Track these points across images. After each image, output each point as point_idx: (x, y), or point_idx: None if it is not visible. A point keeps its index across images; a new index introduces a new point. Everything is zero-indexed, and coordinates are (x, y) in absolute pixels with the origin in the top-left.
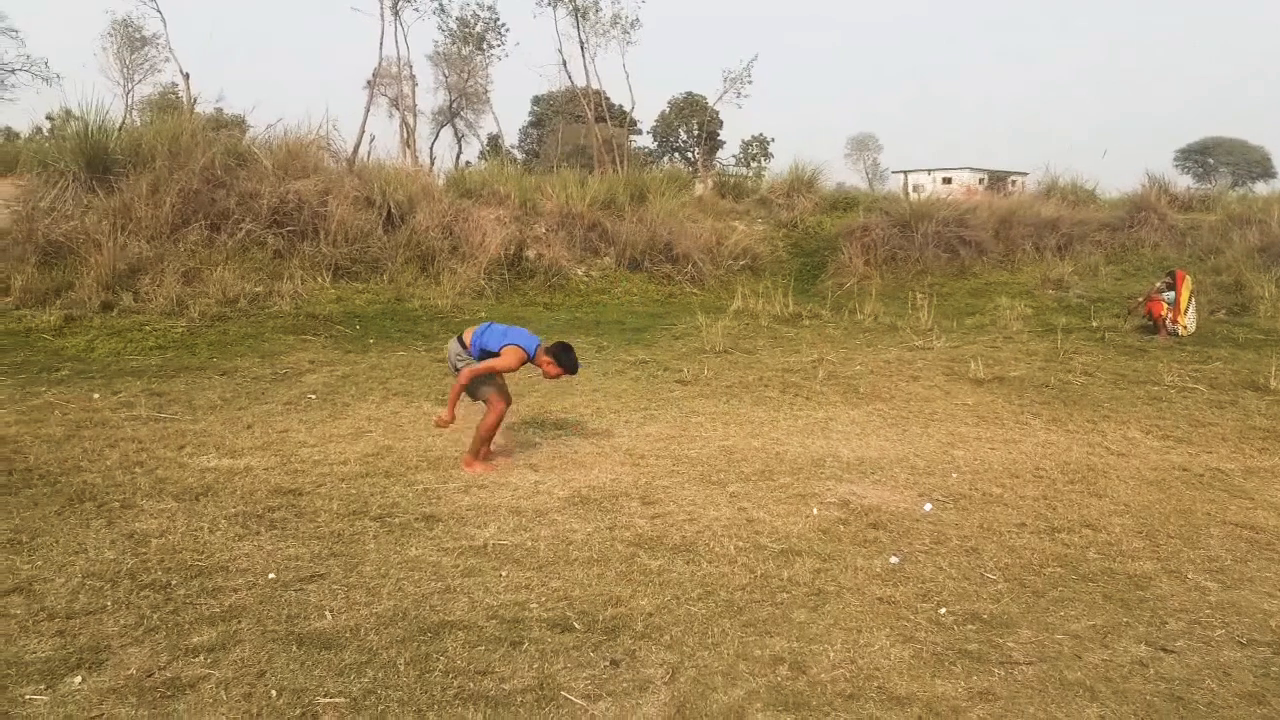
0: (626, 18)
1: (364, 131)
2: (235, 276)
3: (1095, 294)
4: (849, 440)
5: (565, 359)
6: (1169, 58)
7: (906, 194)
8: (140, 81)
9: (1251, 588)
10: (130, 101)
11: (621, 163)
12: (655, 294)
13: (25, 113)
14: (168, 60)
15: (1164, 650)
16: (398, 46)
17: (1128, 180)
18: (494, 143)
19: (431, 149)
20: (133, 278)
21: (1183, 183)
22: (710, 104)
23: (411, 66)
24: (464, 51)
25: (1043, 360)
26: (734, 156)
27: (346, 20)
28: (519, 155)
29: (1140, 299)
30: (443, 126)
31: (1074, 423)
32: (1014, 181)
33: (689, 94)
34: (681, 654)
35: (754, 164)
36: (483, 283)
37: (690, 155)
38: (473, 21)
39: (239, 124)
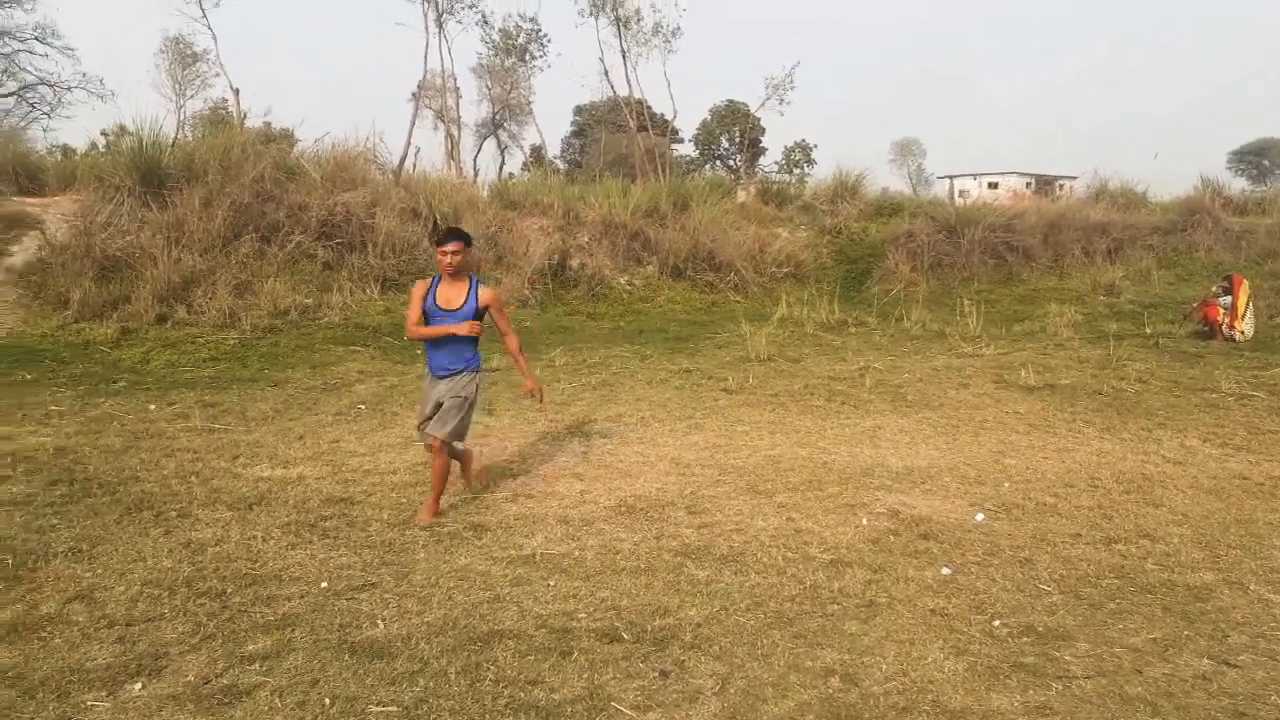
0: (668, 26)
1: (410, 144)
2: (286, 288)
3: (1148, 299)
4: (898, 449)
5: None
6: (1221, 56)
7: (952, 199)
8: (192, 97)
9: None
10: (182, 117)
11: (663, 171)
12: (698, 302)
13: (82, 130)
14: (218, 75)
15: (1227, 664)
16: (441, 59)
17: (1181, 183)
18: (536, 153)
19: (475, 161)
20: (186, 290)
21: (1237, 185)
22: (752, 111)
23: (455, 79)
24: (506, 63)
25: (1095, 367)
26: (776, 163)
27: (390, 35)
28: (561, 165)
29: (1196, 304)
30: (486, 138)
31: (1128, 431)
32: (1062, 186)
33: (730, 101)
34: (731, 665)
35: (796, 170)
36: (527, 292)
37: (732, 163)
38: (515, 33)
39: (287, 138)
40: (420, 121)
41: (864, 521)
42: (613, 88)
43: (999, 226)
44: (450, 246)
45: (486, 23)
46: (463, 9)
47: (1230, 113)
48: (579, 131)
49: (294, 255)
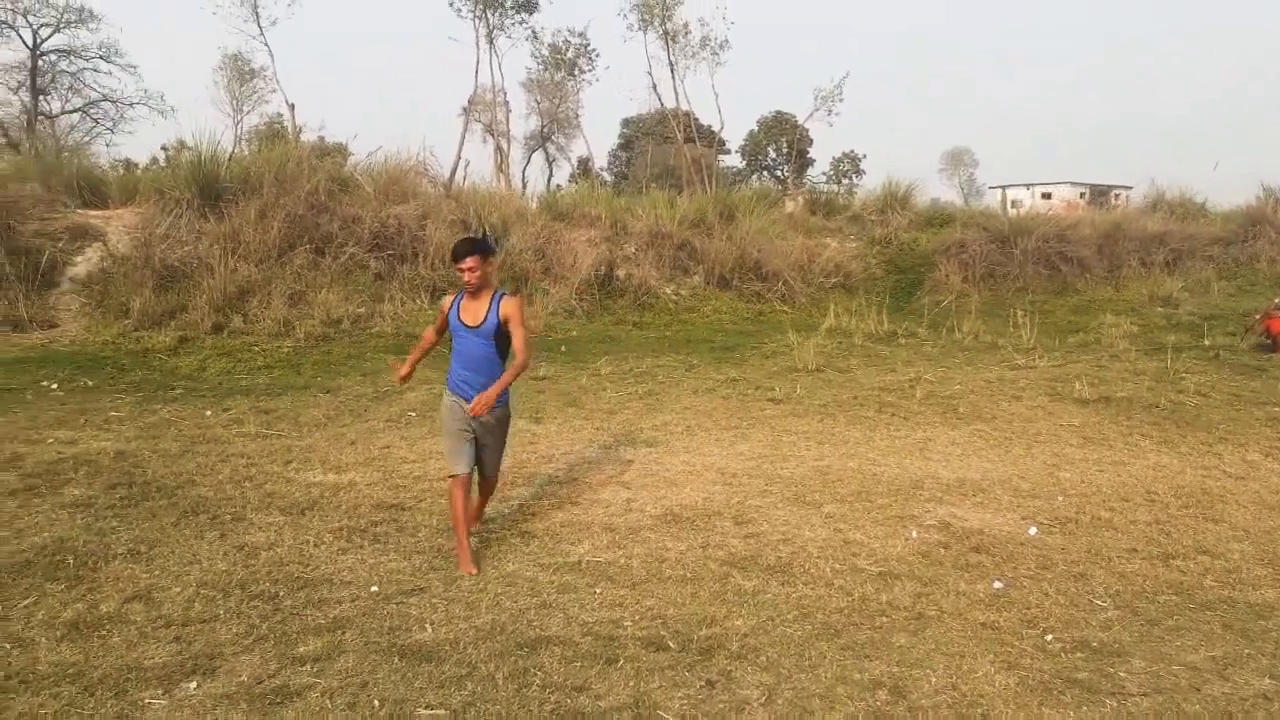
0: (716, 39)
1: (460, 157)
2: (339, 299)
3: (1207, 311)
4: (949, 461)
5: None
6: None
7: (1005, 210)
8: (249, 112)
9: None
10: (240, 132)
11: (711, 182)
12: (745, 312)
13: (144, 145)
14: (274, 91)
15: None
16: (492, 74)
17: (1245, 194)
18: (584, 166)
19: (524, 173)
20: (242, 300)
21: None
22: (800, 122)
23: (505, 93)
24: (556, 77)
25: (1152, 380)
26: (824, 174)
27: (442, 50)
28: (608, 177)
29: (1258, 316)
30: (534, 151)
31: (1187, 444)
32: (1117, 196)
33: (778, 113)
34: (778, 676)
35: (845, 181)
36: (574, 302)
37: (779, 174)
38: (564, 48)
39: (341, 151)
40: (470, 135)
41: (913, 534)
42: (660, 100)
43: (1052, 236)
44: (467, 263)
45: (536, 38)
46: (513, 25)
47: None
48: (626, 144)
49: (347, 266)
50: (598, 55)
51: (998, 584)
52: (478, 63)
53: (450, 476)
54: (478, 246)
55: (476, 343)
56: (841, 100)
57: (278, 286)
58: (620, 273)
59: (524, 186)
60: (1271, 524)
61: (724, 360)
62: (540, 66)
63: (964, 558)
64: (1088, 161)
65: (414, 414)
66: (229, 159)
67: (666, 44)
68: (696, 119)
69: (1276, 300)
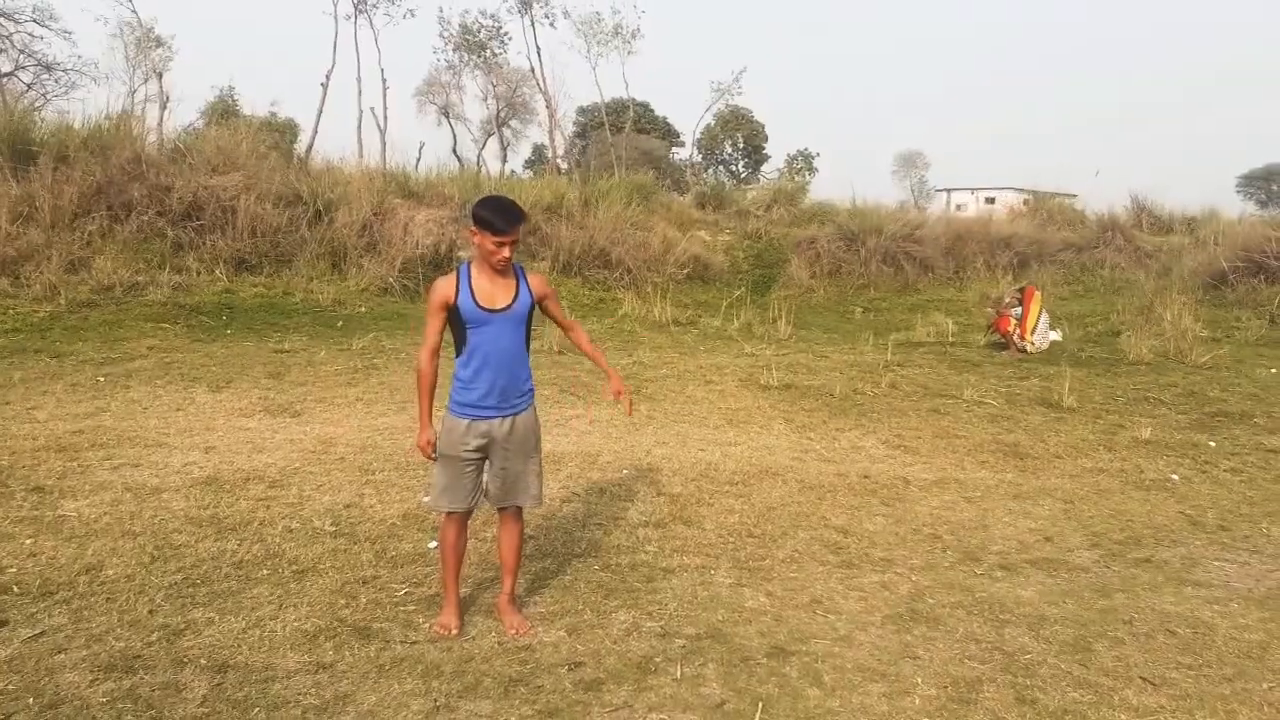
0: (628, 28)
1: (316, 130)
2: (118, 265)
3: None
4: (577, 437)
5: (484, 211)
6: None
7: (948, 213)
8: (145, 81)
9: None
10: (134, 100)
11: (668, 175)
12: (586, 298)
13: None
14: (173, 60)
15: None
16: (358, 50)
17: (1189, 207)
18: (539, 152)
19: (479, 157)
20: (18, 264)
21: (1248, 209)
22: (700, 115)
23: (384, 72)
24: (465, 59)
25: (862, 371)
26: (778, 170)
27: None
28: (563, 165)
29: (991, 313)
30: (490, 135)
31: (823, 429)
32: (1060, 203)
33: (734, 107)
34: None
35: (798, 178)
36: (391, 280)
37: (734, 169)
38: (475, 28)
39: (291, 128)
40: (423, 116)
41: (425, 499)
42: (540, 83)
43: (900, 236)
44: (515, 234)
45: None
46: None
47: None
48: (581, 132)
49: (145, 234)
50: (510, 39)
51: (432, 544)
52: (336, 35)
53: (444, 515)
54: (524, 215)
55: (506, 332)
56: (741, 93)
57: (58, 251)
58: (462, 254)
59: (478, 170)
60: (788, 500)
61: None
62: (447, 46)
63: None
64: (1050, 166)
65: (102, 379)
66: (42, 120)
67: (533, 27)
68: (651, 110)
69: (1007, 299)
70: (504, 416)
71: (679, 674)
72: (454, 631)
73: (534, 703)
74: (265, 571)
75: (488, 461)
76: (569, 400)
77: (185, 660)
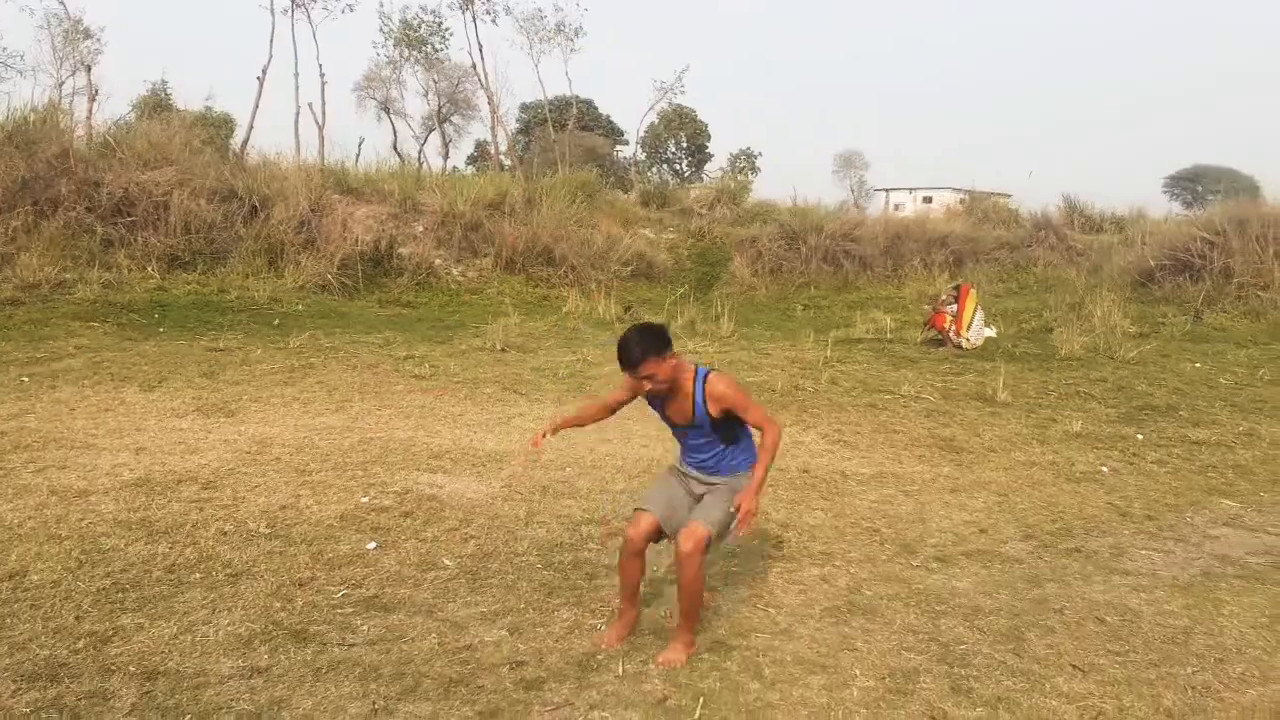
0: (570, 26)
1: (252, 125)
2: (46, 262)
3: None
4: (510, 435)
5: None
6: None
7: (886, 213)
8: (73, 74)
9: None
10: (61, 93)
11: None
12: (529, 296)
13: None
14: (102, 54)
15: None
16: (295, 45)
17: (1119, 207)
18: (482, 149)
19: (420, 153)
20: None
21: (1174, 208)
22: (644, 113)
23: (321, 67)
24: (405, 54)
25: (802, 367)
26: (721, 169)
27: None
28: (506, 162)
29: (930, 311)
30: (431, 131)
31: None
32: (995, 202)
33: (678, 106)
34: None
35: (741, 177)
36: (330, 277)
37: (678, 167)
38: (416, 24)
39: (228, 122)
40: (363, 112)
41: (364, 499)
42: (482, 80)
43: (839, 235)
44: (644, 371)
45: (385, 15)
46: None
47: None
48: (524, 129)
49: (74, 230)
50: (451, 34)
51: (371, 545)
52: (273, 28)
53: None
54: (646, 349)
55: (696, 437)
56: (684, 92)
57: None
58: (404, 250)
59: (419, 166)
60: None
61: (429, 340)
62: (388, 41)
63: (384, 521)
64: (992, 167)
65: (26, 379)
66: None
67: (474, 23)
68: (594, 107)
69: (943, 296)
70: (691, 476)
71: (621, 671)
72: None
73: (474, 703)
74: (198, 575)
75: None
76: (511, 399)
77: (113, 668)
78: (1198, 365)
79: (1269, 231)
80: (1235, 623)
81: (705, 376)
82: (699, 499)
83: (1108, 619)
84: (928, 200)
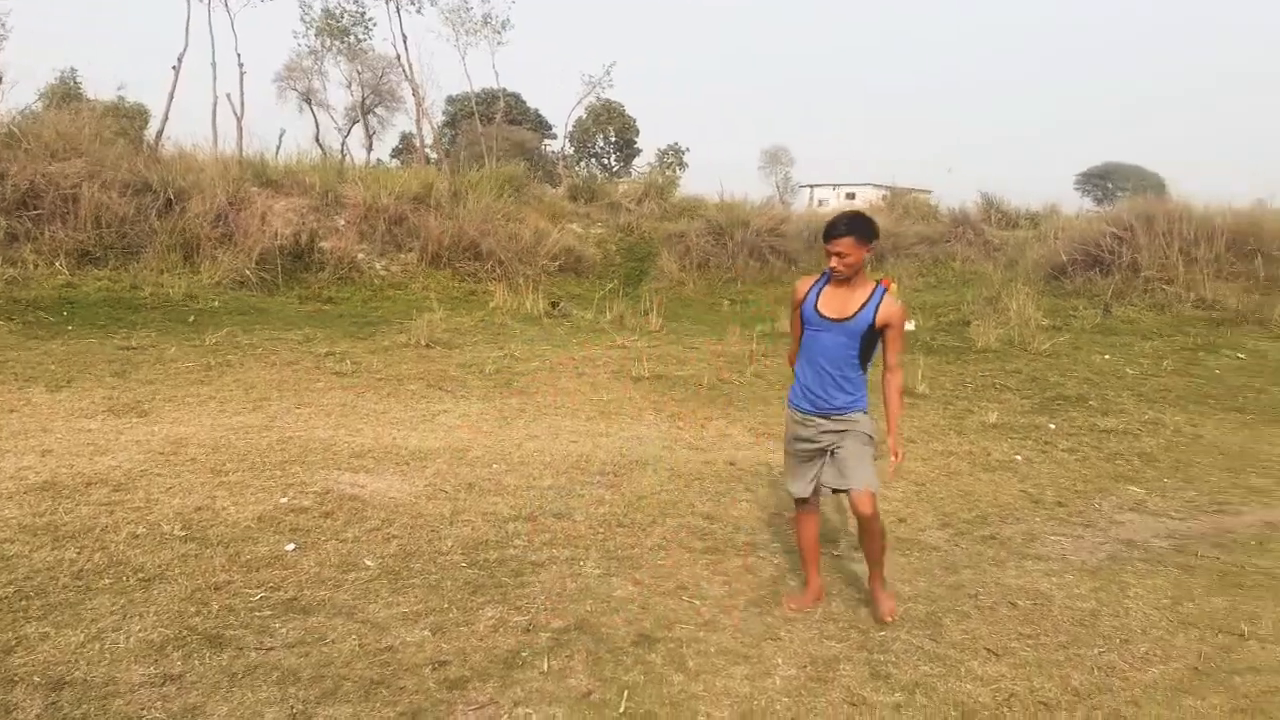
0: (497, 18)
1: (167, 115)
2: None
3: None
4: (434, 432)
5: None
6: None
7: (811, 208)
8: None
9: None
10: None
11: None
12: (456, 291)
13: None
14: (5, 39)
15: None
16: (211, 32)
17: (1033, 203)
18: (407, 141)
19: (343, 145)
20: None
21: (1085, 205)
22: (571, 108)
23: (240, 56)
24: (328, 44)
25: (729, 361)
26: (649, 164)
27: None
28: (432, 155)
29: None
30: (355, 123)
31: (691, 418)
32: (915, 198)
33: (606, 101)
34: None
35: (669, 172)
36: (248, 272)
37: (606, 162)
38: (338, 13)
39: (141, 113)
40: (284, 103)
41: (284, 499)
42: (406, 71)
43: (765, 231)
44: (839, 245)
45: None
46: None
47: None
48: (450, 122)
49: None
50: (375, 25)
51: (290, 546)
52: (188, 16)
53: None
54: (855, 226)
55: (835, 341)
56: (611, 86)
57: None
58: (325, 244)
59: (342, 158)
60: (658, 489)
61: (351, 335)
62: (309, 30)
63: (304, 522)
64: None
65: None
66: None
67: (399, 14)
68: (522, 100)
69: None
70: (809, 414)
71: (546, 667)
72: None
73: (396, 704)
74: (108, 581)
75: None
76: (437, 395)
77: (16, 678)
78: (1107, 357)
79: (1174, 227)
80: (1140, 604)
81: (885, 290)
82: (832, 453)
83: (1020, 603)
84: (850, 196)
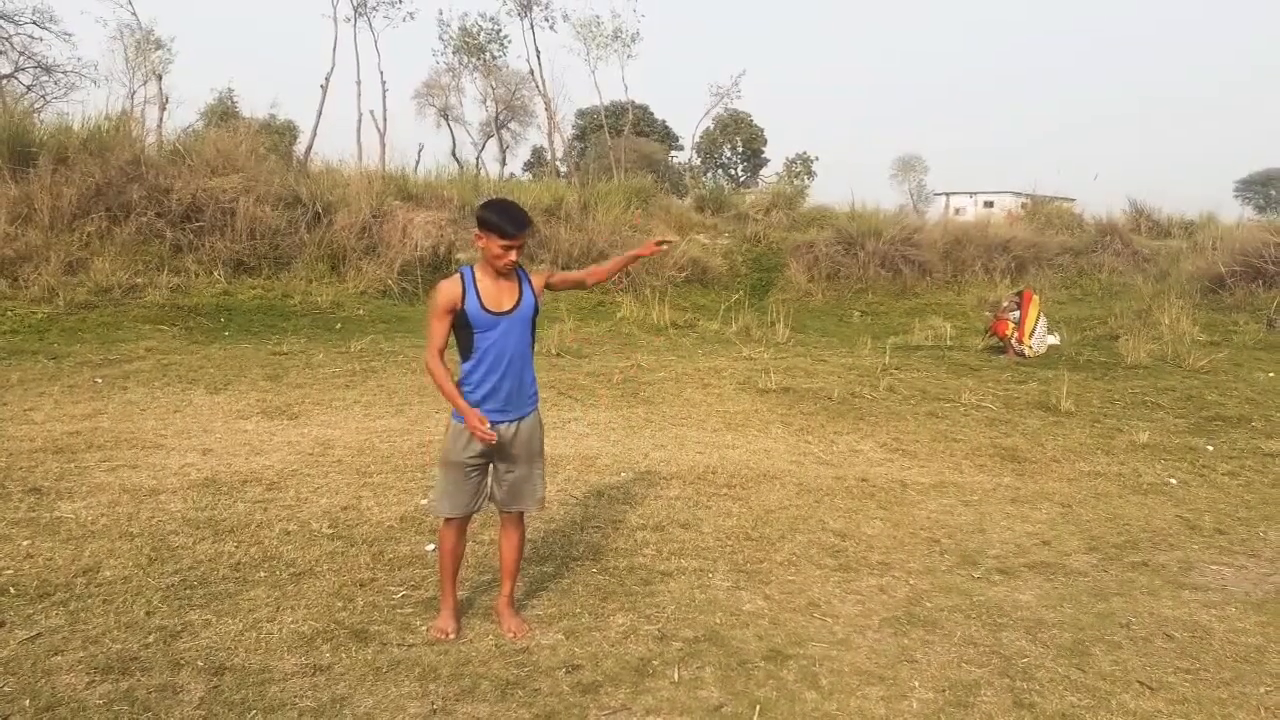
0: (627, 32)
1: (315, 133)
2: (117, 267)
3: None
4: (574, 440)
5: (491, 215)
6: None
7: (946, 217)
8: (145, 83)
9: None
10: (133, 102)
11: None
12: (585, 301)
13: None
14: (172, 63)
15: None
16: (357, 52)
17: (1187, 211)
18: (538, 155)
19: (478, 159)
20: (16, 265)
21: (1246, 213)
22: (700, 118)
23: (383, 74)
24: (464, 61)
25: (860, 374)
26: (777, 174)
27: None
28: (562, 168)
29: (989, 316)
30: (489, 137)
31: (821, 431)
32: (1058, 207)
33: (734, 111)
34: None
35: (796, 181)
36: (390, 282)
37: (733, 172)
38: (475, 31)
39: (290, 130)
40: (423, 119)
41: (423, 501)
42: (539, 86)
43: (898, 240)
44: (523, 239)
45: (445, 22)
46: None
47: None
48: (580, 135)
49: (144, 235)
50: (510, 41)
51: (430, 546)
52: (335, 37)
53: (443, 520)
54: (529, 219)
55: (514, 335)
56: (740, 97)
57: (56, 253)
58: (462, 256)
59: (477, 173)
60: (786, 503)
61: None
62: (449, 49)
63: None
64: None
65: (100, 381)
66: (41, 122)
67: (532, 30)
68: (650, 112)
69: (1005, 303)
70: (509, 421)
71: (676, 677)
72: (451, 635)
73: (531, 705)
74: (262, 574)
75: (492, 466)
76: (567, 403)
77: (182, 662)
78: (1271, 375)
79: None
80: None
81: (523, 269)
82: (510, 466)
83: (1176, 635)
84: (989, 204)
